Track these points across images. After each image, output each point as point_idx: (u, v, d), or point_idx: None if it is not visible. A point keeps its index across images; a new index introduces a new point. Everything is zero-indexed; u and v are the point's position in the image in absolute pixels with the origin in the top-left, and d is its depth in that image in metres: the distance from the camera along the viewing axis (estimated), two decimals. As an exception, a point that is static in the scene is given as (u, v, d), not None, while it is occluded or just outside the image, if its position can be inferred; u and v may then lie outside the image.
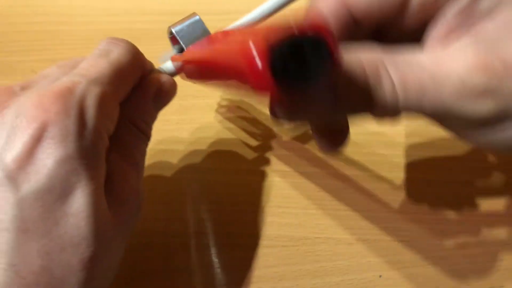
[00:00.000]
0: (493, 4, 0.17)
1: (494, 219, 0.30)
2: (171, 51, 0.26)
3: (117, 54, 0.23)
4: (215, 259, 0.29)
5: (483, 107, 0.16)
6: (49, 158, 0.18)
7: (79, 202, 0.19)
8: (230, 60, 0.17)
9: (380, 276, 0.28)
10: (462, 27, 0.17)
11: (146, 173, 0.33)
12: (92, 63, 0.22)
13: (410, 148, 0.33)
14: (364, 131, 0.34)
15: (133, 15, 0.42)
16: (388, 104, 0.17)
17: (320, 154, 0.33)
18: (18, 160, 0.18)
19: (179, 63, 0.25)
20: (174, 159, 0.33)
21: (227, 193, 0.31)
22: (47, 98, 0.19)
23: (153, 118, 0.25)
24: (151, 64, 0.25)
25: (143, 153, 0.24)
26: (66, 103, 0.19)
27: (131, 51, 0.23)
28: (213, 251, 0.30)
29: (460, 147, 0.33)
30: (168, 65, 0.26)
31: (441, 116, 0.17)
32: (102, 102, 0.20)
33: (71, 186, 0.19)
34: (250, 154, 0.33)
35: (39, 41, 0.40)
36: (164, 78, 0.25)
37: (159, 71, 0.26)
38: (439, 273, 0.29)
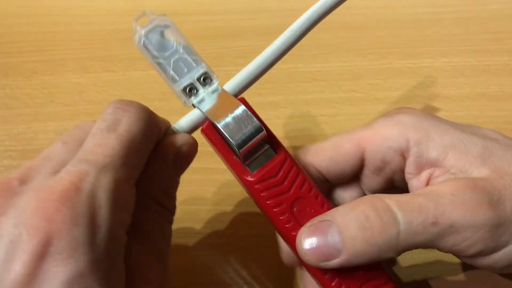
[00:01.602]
0: (440, 152, 0.21)
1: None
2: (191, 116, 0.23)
3: (127, 125, 0.19)
4: (215, 259, 0.29)
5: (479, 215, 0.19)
6: (55, 278, 0.15)
7: None
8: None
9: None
10: (422, 172, 0.22)
11: (146, 173, 0.33)
12: (99, 142, 0.18)
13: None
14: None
15: (133, 16, 0.42)
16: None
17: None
18: (19, 284, 0.15)
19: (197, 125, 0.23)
20: (175, 160, 0.33)
21: (227, 193, 0.31)
22: (51, 203, 0.16)
23: (175, 186, 0.22)
24: (166, 123, 0.22)
25: (167, 237, 0.21)
26: (74, 208, 0.16)
27: (143, 117, 0.20)
28: (213, 251, 0.29)
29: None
30: (187, 122, 0.23)
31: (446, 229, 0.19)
32: (117, 193, 0.17)
33: None
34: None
35: (40, 42, 0.40)
36: (183, 138, 0.22)
37: (174, 131, 0.22)
38: (441, 274, 0.28)
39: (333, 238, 0.20)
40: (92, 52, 0.39)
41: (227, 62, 0.38)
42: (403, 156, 0.22)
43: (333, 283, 0.21)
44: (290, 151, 0.34)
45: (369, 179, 0.24)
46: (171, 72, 0.22)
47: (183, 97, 0.22)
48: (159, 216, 0.21)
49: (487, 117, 0.35)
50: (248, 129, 0.21)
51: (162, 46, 0.22)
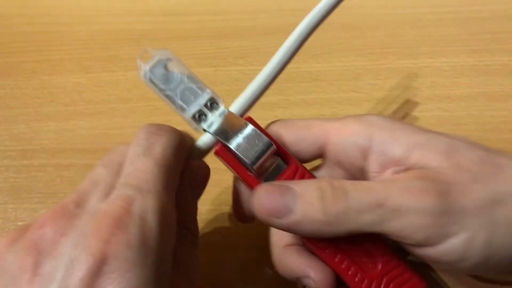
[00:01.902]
0: (404, 150, 0.22)
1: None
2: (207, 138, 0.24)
3: (161, 149, 0.21)
4: (215, 259, 0.29)
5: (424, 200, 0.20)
6: None
7: None
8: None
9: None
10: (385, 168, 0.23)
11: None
12: (139, 167, 0.20)
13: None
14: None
15: (133, 16, 0.42)
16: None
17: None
18: None
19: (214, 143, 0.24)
20: (175, 160, 0.33)
21: (227, 193, 0.31)
22: (106, 227, 0.17)
23: (196, 211, 0.23)
24: (190, 140, 0.24)
25: (196, 261, 0.22)
26: (127, 231, 0.17)
27: (175, 140, 0.21)
28: (213, 251, 0.30)
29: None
30: (205, 141, 0.24)
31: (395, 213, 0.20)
32: (163, 217, 0.19)
33: None
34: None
35: (40, 42, 0.40)
36: (199, 164, 0.23)
37: (196, 156, 0.24)
38: (443, 275, 0.29)
39: (288, 199, 0.21)
40: (92, 52, 0.39)
41: (227, 62, 0.38)
42: (363, 154, 0.23)
43: (335, 258, 0.22)
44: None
45: (332, 170, 0.24)
46: (179, 102, 0.23)
47: (193, 124, 0.23)
48: (188, 241, 0.22)
49: (487, 117, 0.35)
50: (259, 146, 0.22)
51: (167, 78, 0.23)
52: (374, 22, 0.40)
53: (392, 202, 0.20)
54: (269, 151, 0.22)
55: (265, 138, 0.22)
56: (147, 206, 0.18)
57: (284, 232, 0.24)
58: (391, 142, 0.22)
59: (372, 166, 0.23)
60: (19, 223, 0.31)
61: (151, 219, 0.18)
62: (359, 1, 0.42)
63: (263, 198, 0.21)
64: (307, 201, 0.21)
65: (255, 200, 0.22)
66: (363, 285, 0.22)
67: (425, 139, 0.22)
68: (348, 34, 0.40)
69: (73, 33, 0.40)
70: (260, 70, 0.40)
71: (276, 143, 0.23)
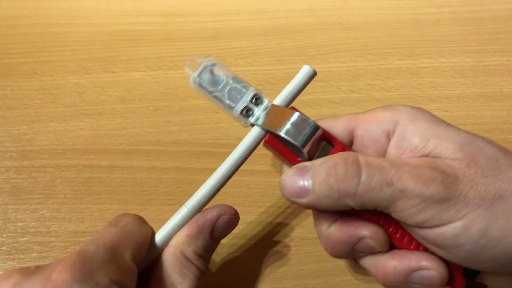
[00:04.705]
0: (422, 139, 0.23)
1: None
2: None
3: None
4: (215, 259, 0.29)
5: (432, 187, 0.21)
6: None
7: None
8: None
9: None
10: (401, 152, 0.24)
11: (146, 174, 0.33)
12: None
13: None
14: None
15: (133, 17, 0.42)
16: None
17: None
18: None
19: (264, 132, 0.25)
20: (175, 160, 0.33)
21: (227, 193, 0.31)
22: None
23: (209, 250, 0.25)
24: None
25: None
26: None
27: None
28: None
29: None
30: (253, 135, 0.25)
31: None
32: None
33: None
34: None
35: (40, 43, 0.40)
36: (225, 209, 0.25)
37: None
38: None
39: (308, 180, 0.23)
40: (92, 53, 0.39)
41: (227, 62, 0.38)
42: (388, 138, 0.25)
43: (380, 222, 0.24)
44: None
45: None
46: (227, 102, 0.25)
47: (242, 120, 0.25)
48: (190, 272, 0.24)
49: (486, 117, 0.35)
50: (306, 130, 0.24)
51: (214, 81, 0.25)
52: (373, 23, 0.41)
53: (400, 184, 0.21)
54: (316, 134, 0.24)
55: (312, 122, 0.24)
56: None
57: (324, 213, 0.25)
58: (411, 130, 0.24)
59: (391, 150, 0.24)
60: (19, 224, 0.31)
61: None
62: (359, 2, 0.42)
63: (285, 181, 0.24)
64: (321, 180, 0.23)
65: (281, 184, 0.24)
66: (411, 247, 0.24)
67: (445, 131, 0.23)
68: (347, 34, 0.40)
69: (74, 34, 0.41)
70: (259, 70, 0.40)
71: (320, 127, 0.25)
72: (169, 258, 0.24)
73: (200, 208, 0.25)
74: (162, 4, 0.42)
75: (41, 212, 0.31)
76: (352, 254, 0.25)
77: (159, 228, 0.25)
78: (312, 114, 0.35)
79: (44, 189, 0.32)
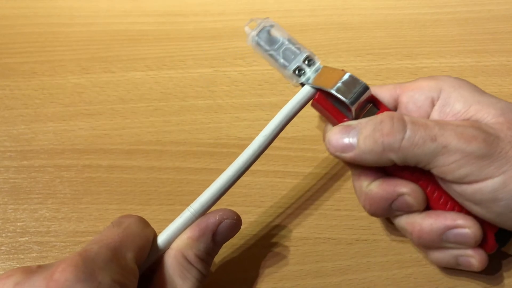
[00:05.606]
0: (464, 105, 0.25)
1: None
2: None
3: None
4: (215, 259, 0.29)
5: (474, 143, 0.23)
6: None
7: None
8: None
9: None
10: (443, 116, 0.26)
11: (146, 174, 0.33)
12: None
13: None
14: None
15: (133, 17, 0.42)
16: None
17: (319, 154, 0.33)
18: None
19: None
20: (174, 160, 0.33)
21: (227, 193, 0.31)
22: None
23: (211, 254, 0.26)
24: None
25: None
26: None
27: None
28: (213, 251, 0.30)
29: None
30: (304, 94, 0.27)
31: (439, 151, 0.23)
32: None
33: None
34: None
35: (39, 43, 0.40)
36: (228, 213, 0.26)
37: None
38: (439, 273, 0.29)
39: (353, 137, 0.25)
40: (91, 53, 0.39)
41: (226, 62, 0.38)
42: (433, 104, 0.26)
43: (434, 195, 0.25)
44: (290, 151, 0.34)
45: None
46: (282, 60, 0.27)
47: (294, 78, 0.27)
48: (191, 275, 0.24)
49: (486, 117, 0.35)
50: (357, 88, 0.25)
51: (271, 41, 0.27)
52: (373, 23, 0.41)
53: (443, 139, 0.23)
54: (365, 94, 0.25)
55: (362, 82, 0.25)
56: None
57: (365, 172, 0.26)
58: (455, 97, 0.25)
59: (434, 114, 0.26)
60: (19, 224, 0.31)
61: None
62: (358, 2, 0.42)
63: (331, 137, 0.25)
64: (367, 135, 0.24)
65: (326, 139, 0.26)
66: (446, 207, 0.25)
67: (486, 98, 0.25)
68: (347, 34, 0.40)
69: (73, 34, 0.41)
70: (259, 70, 0.40)
71: None
72: (171, 260, 0.24)
73: (203, 212, 0.25)
74: (162, 4, 0.42)
75: (41, 212, 0.31)
76: (390, 212, 0.26)
77: (159, 228, 0.25)
78: (312, 114, 0.35)
79: (44, 189, 0.32)
